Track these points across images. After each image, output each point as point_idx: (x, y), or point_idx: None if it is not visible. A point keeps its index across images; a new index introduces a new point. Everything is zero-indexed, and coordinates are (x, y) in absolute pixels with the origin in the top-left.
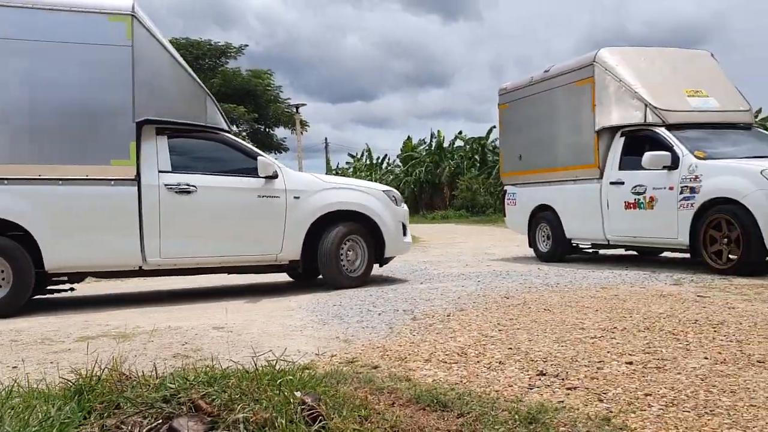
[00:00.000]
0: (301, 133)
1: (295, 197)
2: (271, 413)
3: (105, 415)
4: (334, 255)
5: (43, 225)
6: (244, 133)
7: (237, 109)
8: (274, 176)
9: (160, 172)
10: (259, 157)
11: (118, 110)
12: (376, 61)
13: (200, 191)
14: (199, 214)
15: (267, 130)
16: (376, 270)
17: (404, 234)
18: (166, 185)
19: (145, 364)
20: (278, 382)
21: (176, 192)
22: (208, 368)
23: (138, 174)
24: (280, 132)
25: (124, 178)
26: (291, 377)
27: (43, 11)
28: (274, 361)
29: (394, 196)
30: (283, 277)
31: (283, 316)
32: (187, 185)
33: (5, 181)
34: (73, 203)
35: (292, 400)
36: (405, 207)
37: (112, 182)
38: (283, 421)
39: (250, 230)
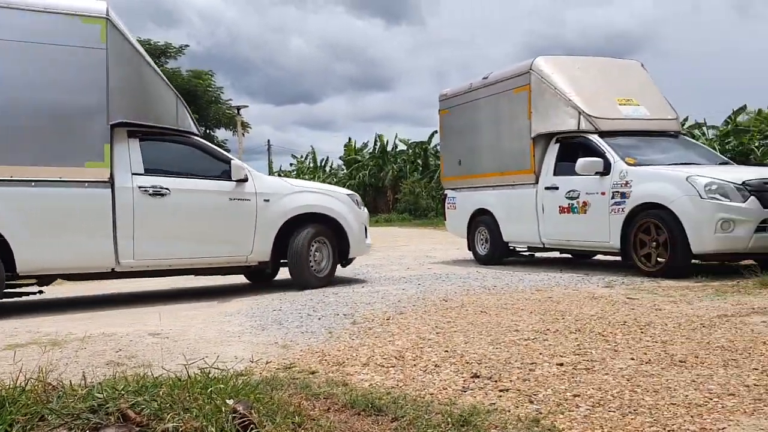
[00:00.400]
0: (243, 134)
1: (265, 200)
2: (201, 422)
3: (28, 427)
4: (304, 256)
5: (15, 227)
6: None
7: None
8: (245, 179)
9: (133, 174)
10: (232, 161)
11: (93, 112)
12: (320, 63)
13: (173, 194)
14: (172, 217)
15: (208, 131)
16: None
17: (366, 236)
18: (139, 187)
19: (76, 372)
20: (209, 390)
21: (150, 194)
22: (138, 377)
23: (111, 176)
24: (221, 133)
25: (98, 180)
26: (223, 385)
27: (17, 11)
28: (208, 369)
29: (356, 200)
30: (226, 281)
31: (222, 321)
32: (160, 188)
33: None
34: (47, 205)
35: (223, 409)
36: (365, 210)
37: (86, 184)
38: (214, 430)
39: (221, 232)
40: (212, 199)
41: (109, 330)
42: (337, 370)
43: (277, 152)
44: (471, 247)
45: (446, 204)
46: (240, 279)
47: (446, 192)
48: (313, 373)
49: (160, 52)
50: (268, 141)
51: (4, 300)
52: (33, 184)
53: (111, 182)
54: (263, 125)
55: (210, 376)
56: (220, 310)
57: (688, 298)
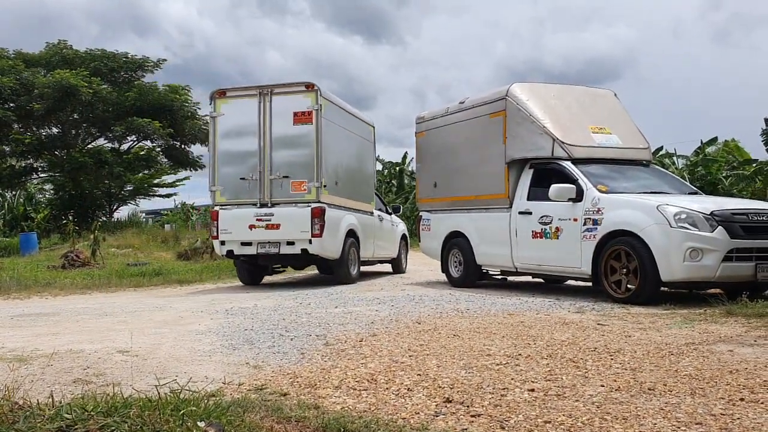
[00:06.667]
0: None
1: (396, 225)
2: None
3: None
4: (405, 257)
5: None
6: (159, 149)
7: (152, 124)
8: (390, 214)
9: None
10: (391, 205)
11: (372, 176)
12: (300, 78)
13: (383, 221)
14: (380, 230)
15: (183, 146)
16: (295, 295)
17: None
18: (377, 215)
19: (42, 390)
20: (181, 412)
21: (379, 219)
22: (108, 397)
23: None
24: (197, 149)
25: (370, 212)
26: (195, 407)
27: (354, 117)
28: (179, 390)
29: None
30: (195, 296)
31: (192, 340)
32: (381, 216)
33: (345, 209)
34: (368, 223)
35: (194, 431)
36: None
37: (371, 213)
38: None
39: (385, 241)
40: (388, 223)
41: (76, 347)
42: (308, 393)
43: None
44: (444, 269)
45: (421, 225)
46: (202, 292)
47: (421, 213)
48: (284, 395)
49: (137, 66)
50: None
51: None
52: (354, 210)
53: (372, 212)
54: None
55: (181, 397)
56: (191, 329)
57: (657, 326)
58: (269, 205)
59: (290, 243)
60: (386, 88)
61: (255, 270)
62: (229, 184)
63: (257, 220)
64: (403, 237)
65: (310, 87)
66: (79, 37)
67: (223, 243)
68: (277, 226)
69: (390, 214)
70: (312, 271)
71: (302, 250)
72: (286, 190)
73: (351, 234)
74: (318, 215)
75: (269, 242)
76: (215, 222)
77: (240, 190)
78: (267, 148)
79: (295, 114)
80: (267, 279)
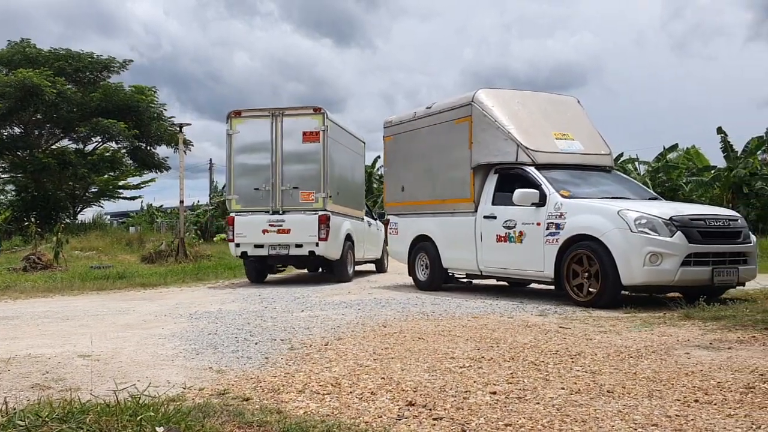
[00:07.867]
0: (185, 152)
1: (380, 229)
2: None
3: None
4: (386, 257)
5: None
6: (124, 150)
7: (117, 125)
8: (375, 220)
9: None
10: (377, 212)
11: (362, 184)
12: (267, 80)
13: (372, 225)
14: (368, 234)
15: (148, 148)
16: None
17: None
18: (368, 221)
19: None
20: (139, 417)
21: (367, 225)
22: (65, 402)
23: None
24: (163, 150)
25: (361, 217)
26: (154, 412)
27: (350, 135)
28: (138, 395)
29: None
30: (163, 300)
31: (155, 344)
32: (369, 221)
33: (344, 216)
34: (360, 228)
35: None
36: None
37: (362, 219)
38: None
39: (372, 244)
40: (374, 227)
41: (35, 351)
42: (271, 397)
43: (220, 170)
44: (411, 272)
45: (388, 229)
46: (166, 296)
47: (389, 217)
48: (247, 399)
49: (102, 66)
50: (210, 160)
51: None
52: (350, 216)
53: (363, 218)
54: (207, 142)
55: (140, 402)
56: (154, 333)
57: (618, 329)
58: (281, 212)
59: (299, 245)
60: (355, 92)
61: (261, 269)
62: (244, 193)
63: (270, 225)
64: (386, 240)
65: (317, 110)
66: (43, 36)
67: (237, 245)
68: (288, 231)
69: (375, 219)
70: (300, 271)
71: (309, 252)
72: (296, 199)
73: (348, 238)
74: (324, 222)
75: (280, 245)
76: (231, 227)
77: (254, 199)
78: (279, 162)
79: (305, 133)
80: (232, 281)
